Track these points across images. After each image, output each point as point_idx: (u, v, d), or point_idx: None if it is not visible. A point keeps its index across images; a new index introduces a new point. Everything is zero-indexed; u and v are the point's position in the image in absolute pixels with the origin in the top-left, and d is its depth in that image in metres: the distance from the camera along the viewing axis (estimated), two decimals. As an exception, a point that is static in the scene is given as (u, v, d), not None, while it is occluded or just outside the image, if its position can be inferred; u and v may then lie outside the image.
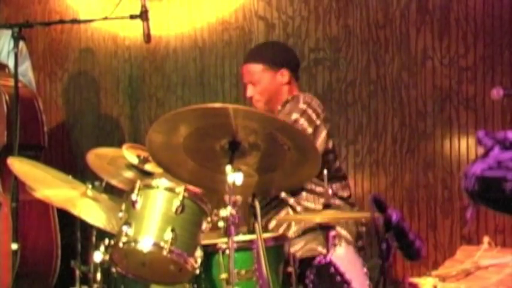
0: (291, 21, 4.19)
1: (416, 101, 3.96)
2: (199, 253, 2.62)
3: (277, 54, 3.33)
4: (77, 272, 3.05)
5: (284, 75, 3.29)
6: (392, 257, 2.26)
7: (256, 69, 3.28)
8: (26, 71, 4.02)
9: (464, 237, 3.85)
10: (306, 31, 4.15)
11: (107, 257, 2.64)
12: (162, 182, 2.67)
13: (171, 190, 2.65)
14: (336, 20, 4.10)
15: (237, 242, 2.66)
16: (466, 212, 3.63)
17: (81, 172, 3.27)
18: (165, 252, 2.56)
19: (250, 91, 3.31)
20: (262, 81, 3.27)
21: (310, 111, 3.22)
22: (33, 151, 3.75)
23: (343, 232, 3.15)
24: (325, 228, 2.85)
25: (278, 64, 3.28)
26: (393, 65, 3.99)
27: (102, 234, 2.85)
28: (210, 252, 2.67)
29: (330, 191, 2.93)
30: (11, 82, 3.54)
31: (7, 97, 3.68)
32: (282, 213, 3.18)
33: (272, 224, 3.20)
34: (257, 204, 2.62)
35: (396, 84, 3.99)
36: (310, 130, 3.18)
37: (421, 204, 3.94)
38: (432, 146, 3.93)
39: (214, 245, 2.69)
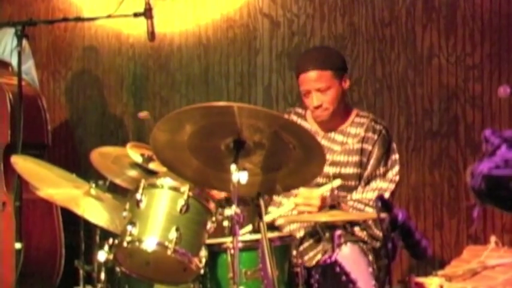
0: (296, 18, 4.19)
1: (422, 99, 3.96)
2: (203, 253, 2.62)
3: (340, 60, 3.28)
4: (81, 272, 3.05)
5: (347, 82, 3.24)
6: (398, 257, 2.26)
7: (326, 76, 3.16)
8: (29, 70, 4.02)
9: (470, 237, 3.85)
10: (311, 29, 4.15)
11: (111, 257, 2.64)
12: (166, 181, 2.67)
13: (175, 189, 2.65)
14: (341, 17, 4.09)
15: (243, 242, 2.66)
16: (472, 211, 3.62)
17: (85, 171, 3.27)
18: (169, 252, 2.56)
19: (318, 99, 3.16)
20: (332, 88, 3.17)
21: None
22: (37, 150, 3.75)
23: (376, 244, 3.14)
24: (331, 228, 2.85)
25: (343, 70, 3.23)
26: (399, 63, 3.99)
27: (106, 233, 2.85)
28: (215, 251, 2.67)
29: (336, 192, 2.93)
30: (14, 80, 3.54)
31: (10, 95, 3.69)
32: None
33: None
34: (262, 203, 2.62)
35: (402, 82, 3.99)
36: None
37: (427, 203, 3.94)
38: (438, 144, 3.93)
39: (220, 244, 2.69)
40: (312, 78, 3.17)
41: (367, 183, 3.17)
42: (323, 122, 3.24)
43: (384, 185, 3.17)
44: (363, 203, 3.13)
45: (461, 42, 3.88)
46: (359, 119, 3.26)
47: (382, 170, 3.18)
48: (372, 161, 3.18)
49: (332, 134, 3.24)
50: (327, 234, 3.06)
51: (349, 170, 3.17)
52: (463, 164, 3.86)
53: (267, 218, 2.97)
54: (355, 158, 3.18)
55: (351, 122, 3.26)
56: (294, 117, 3.32)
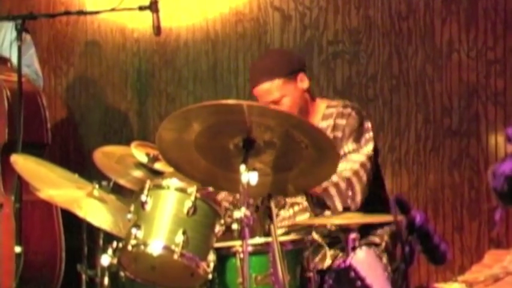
0: (308, 12, 4.18)
1: (441, 96, 3.95)
2: (212, 257, 2.62)
3: (289, 62, 3.19)
4: (84, 277, 3.06)
5: (304, 80, 3.17)
6: (416, 261, 2.26)
7: (276, 86, 3.11)
8: (31, 61, 4.03)
9: (492, 241, 3.84)
10: (325, 22, 4.15)
11: (115, 261, 2.64)
12: (173, 182, 2.67)
13: (182, 191, 2.65)
14: (356, 10, 4.09)
15: (253, 245, 2.67)
16: (494, 213, 3.61)
17: (88, 171, 3.28)
18: (176, 256, 2.56)
19: None
20: (287, 95, 3.12)
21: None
22: (36, 149, 3.76)
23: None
24: (345, 231, 2.85)
25: (294, 71, 3.16)
26: (417, 58, 3.98)
27: (109, 236, 2.86)
28: (224, 255, 2.68)
29: (350, 193, 2.93)
30: (13, 77, 3.55)
31: (8, 92, 3.70)
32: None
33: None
34: (272, 205, 2.62)
35: (420, 78, 3.98)
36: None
37: (447, 205, 3.93)
38: (458, 143, 3.92)
39: (228, 248, 2.69)
40: (263, 91, 3.13)
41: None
42: None
43: (357, 157, 3.10)
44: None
45: (483, 36, 3.87)
46: (329, 110, 3.20)
47: (354, 146, 3.12)
48: (344, 142, 3.12)
49: None
50: (327, 239, 3.06)
51: None
52: (484, 164, 3.84)
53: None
54: None
55: (322, 116, 3.21)
56: None
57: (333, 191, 3.07)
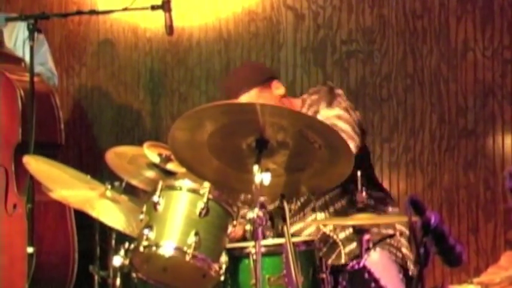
0: (321, 11, 4.17)
1: (456, 95, 3.93)
2: (224, 258, 2.62)
3: (260, 71, 3.20)
4: (96, 277, 3.06)
5: (279, 87, 3.15)
6: (430, 263, 2.24)
7: (252, 96, 3.09)
8: (45, 58, 4.04)
9: (508, 242, 3.82)
10: (338, 22, 4.13)
11: (127, 262, 2.65)
12: (185, 183, 2.67)
13: (195, 191, 2.65)
14: (369, 9, 4.07)
15: (266, 246, 2.66)
16: (510, 214, 3.58)
17: (100, 172, 3.28)
18: (188, 257, 2.56)
19: None
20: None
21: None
22: (50, 150, 3.77)
23: (403, 229, 3.12)
24: (359, 232, 2.84)
25: (267, 79, 3.14)
26: (431, 57, 3.96)
27: (122, 237, 2.86)
28: (236, 256, 2.67)
29: (364, 194, 2.92)
30: (26, 77, 3.56)
31: (22, 92, 3.71)
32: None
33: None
34: (286, 205, 2.62)
35: (435, 77, 3.96)
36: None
37: (462, 206, 3.91)
38: (473, 143, 3.90)
39: (241, 249, 2.68)
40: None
41: None
42: None
43: (329, 113, 3.07)
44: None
45: (499, 35, 3.84)
46: (304, 97, 3.20)
47: (326, 111, 3.09)
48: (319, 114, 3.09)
49: None
50: (341, 235, 3.05)
51: None
52: (500, 164, 3.82)
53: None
54: None
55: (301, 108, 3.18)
56: None
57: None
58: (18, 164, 3.42)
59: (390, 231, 3.15)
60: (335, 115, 3.08)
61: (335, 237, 2.99)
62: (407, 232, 3.13)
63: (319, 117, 3.05)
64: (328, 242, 3.11)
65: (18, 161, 3.45)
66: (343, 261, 2.99)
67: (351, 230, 3.10)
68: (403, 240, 3.12)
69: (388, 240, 3.11)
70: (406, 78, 4.02)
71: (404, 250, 3.09)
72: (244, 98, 3.11)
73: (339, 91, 3.18)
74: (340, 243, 2.99)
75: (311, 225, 3.14)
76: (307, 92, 3.27)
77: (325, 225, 3.10)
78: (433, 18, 3.96)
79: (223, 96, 3.33)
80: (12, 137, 3.71)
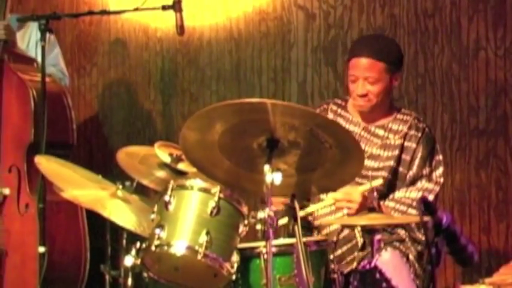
0: (332, 10, 4.17)
1: (468, 95, 3.92)
2: (235, 257, 2.62)
3: (398, 55, 3.29)
4: (107, 277, 3.07)
5: (398, 79, 3.28)
6: (442, 263, 2.24)
7: (378, 68, 3.18)
8: (57, 59, 4.05)
9: (520, 242, 3.81)
10: (349, 21, 4.13)
11: (139, 261, 2.66)
12: (196, 182, 2.68)
13: (206, 191, 2.66)
14: (380, 9, 4.07)
15: (277, 246, 2.66)
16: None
17: (111, 171, 3.29)
18: (199, 257, 2.57)
19: (363, 88, 3.18)
20: (381, 81, 3.19)
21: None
22: (62, 149, 3.78)
23: (419, 236, 3.13)
24: (370, 232, 2.84)
25: (397, 67, 3.25)
26: (443, 57, 3.95)
27: (133, 237, 2.87)
28: (247, 256, 2.67)
29: (375, 194, 2.92)
30: (39, 77, 3.58)
31: (34, 93, 3.73)
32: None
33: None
34: (297, 205, 2.62)
35: (446, 77, 3.95)
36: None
37: (473, 206, 3.90)
38: (485, 143, 3.88)
39: (252, 248, 2.69)
40: (363, 65, 3.19)
41: (412, 183, 3.17)
42: (364, 113, 3.26)
43: (430, 186, 3.19)
44: (405, 204, 3.12)
45: (511, 34, 3.83)
46: (402, 116, 3.30)
47: (427, 170, 3.21)
48: (417, 161, 3.20)
49: (373, 127, 3.27)
50: (363, 240, 3.05)
51: (387, 163, 3.18)
52: (512, 164, 3.82)
53: (302, 213, 2.96)
54: (395, 153, 3.22)
55: (394, 118, 3.29)
56: (334, 107, 3.35)
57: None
58: (31, 164, 3.43)
59: (402, 236, 3.15)
60: (432, 191, 3.19)
61: (360, 240, 3.00)
62: (422, 239, 3.13)
63: (412, 173, 3.21)
64: (350, 243, 3.11)
65: (30, 161, 3.46)
66: (354, 265, 2.99)
67: (345, 232, 3.11)
68: (413, 248, 3.12)
69: (397, 244, 3.11)
70: (417, 77, 4.01)
71: (411, 257, 3.09)
72: (370, 62, 3.18)
73: (437, 146, 3.29)
74: (359, 248, 3.01)
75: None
76: (409, 113, 3.32)
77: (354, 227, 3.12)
78: (445, 18, 3.95)
79: (353, 45, 3.39)
80: (25, 137, 3.73)
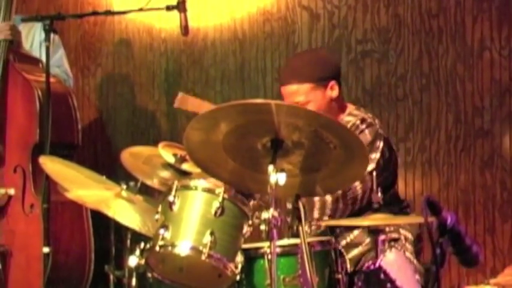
0: (336, 10, 4.17)
1: (472, 95, 3.92)
2: (240, 258, 2.63)
3: (323, 68, 3.16)
4: (111, 277, 3.08)
5: (334, 88, 3.14)
6: (447, 264, 2.24)
7: (304, 90, 3.10)
8: (61, 61, 4.06)
9: (525, 243, 3.81)
10: (353, 21, 4.13)
11: (143, 262, 2.66)
12: (200, 183, 2.68)
13: (210, 191, 2.66)
14: (385, 9, 4.07)
15: (281, 246, 2.67)
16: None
17: (115, 172, 3.30)
18: (203, 257, 2.57)
19: None
20: (313, 101, 3.10)
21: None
22: (67, 150, 3.80)
23: (408, 235, 3.12)
24: (374, 233, 2.84)
25: (326, 78, 3.13)
26: (447, 57, 3.95)
27: (137, 237, 2.88)
28: (252, 256, 2.68)
29: (379, 194, 2.92)
30: (44, 77, 3.59)
31: (40, 93, 3.73)
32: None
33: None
34: (301, 206, 2.62)
35: (450, 77, 3.95)
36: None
37: (478, 206, 3.90)
38: (490, 143, 3.88)
39: (257, 249, 2.69)
40: (289, 91, 3.12)
41: None
42: None
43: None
44: None
45: (515, 34, 3.83)
46: (348, 118, 3.17)
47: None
48: None
49: None
50: (343, 242, 3.05)
51: None
52: (517, 164, 3.82)
53: None
54: None
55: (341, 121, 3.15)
56: None
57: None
58: (36, 165, 3.43)
59: (395, 235, 3.14)
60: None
61: (338, 246, 2.98)
62: (411, 237, 3.12)
63: None
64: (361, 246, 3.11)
65: (35, 162, 3.47)
66: (349, 269, 2.98)
67: (354, 233, 3.09)
68: (408, 245, 3.11)
69: (392, 243, 3.10)
70: (421, 77, 4.01)
71: (408, 254, 3.08)
72: (294, 87, 3.11)
73: (379, 144, 3.13)
74: (343, 251, 2.99)
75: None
76: (359, 111, 3.21)
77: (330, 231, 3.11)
78: (449, 18, 3.95)
79: (280, 72, 3.31)
80: (30, 138, 3.74)
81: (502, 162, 3.86)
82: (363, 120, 3.16)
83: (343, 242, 3.07)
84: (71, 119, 3.90)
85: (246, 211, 2.67)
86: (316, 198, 3.07)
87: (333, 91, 3.15)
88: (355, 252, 3.07)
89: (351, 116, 3.18)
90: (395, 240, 3.12)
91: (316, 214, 3.08)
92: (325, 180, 2.67)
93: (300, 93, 3.11)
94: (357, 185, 3.07)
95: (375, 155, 3.12)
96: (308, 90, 3.11)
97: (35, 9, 4.74)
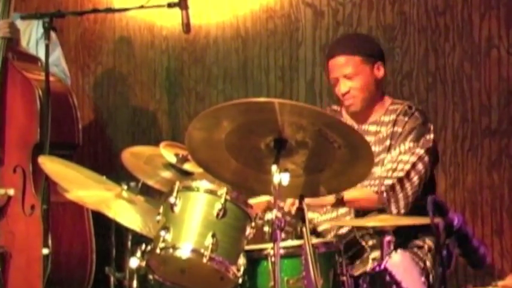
0: (341, 8, 4.16)
1: (479, 94, 3.90)
2: (242, 261, 2.62)
3: (373, 46, 3.32)
4: (112, 279, 3.07)
5: (380, 70, 3.26)
6: (453, 265, 2.23)
7: (354, 62, 3.20)
8: (58, 60, 4.05)
9: (533, 244, 3.79)
10: (358, 19, 4.12)
11: (144, 263, 2.66)
12: (202, 184, 2.67)
13: (212, 192, 2.65)
14: (390, 6, 4.06)
15: (285, 248, 2.66)
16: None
17: (116, 172, 3.29)
18: (205, 260, 2.56)
19: (345, 85, 3.20)
20: (360, 74, 3.21)
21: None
22: (67, 150, 3.79)
23: (432, 245, 3.13)
24: (379, 234, 2.83)
25: (375, 57, 3.25)
26: (454, 55, 3.94)
27: (138, 238, 2.87)
28: (255, 258, 2.67)
29: (385, 195, 2.91)
30: (43, 76, 3.58)
31: (40, 92, 3.73)
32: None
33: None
34: (305, 206, 2.61)
35: (457, 75, 3.94)
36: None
37: (485, 207, 3.88)
38: (497, 143, 3.87)
39: (260, 250, 2.68)
40: (338, 63, 3.21)
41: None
42: (355, 113, 3.27)
43: (405, 158, 3.13)
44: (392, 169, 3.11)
45: (523, 32, 3.82)
46: (393, 106, 3.28)
47: (410, 145, 3.15)
48: (400, 140, 3.16)
49: (366, 126, 3.27)
50: (370, 242, 3.04)
51: (381, 157, 3.18)
52: (525, 164, 3.80)
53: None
54: (386, 143, 3.21)
55: (385, 110, 3.28)
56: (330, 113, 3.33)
57: (388, 195, 3.09)
58: (37, 165, 3.42)
59: (419, 243, 3.14)
60: (412, 163, 3.13)
61: (364, 243, 2.99)
62: (433, 248, 3.12)
63: (402, 146, 3.15)
64: (355, 247, 3.10)
65: (36, 162, 3.46)
66: (368, 268, 2.98)
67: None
68: (429, 256, 3.11)
69: (415, 250, 3.11)
70: (427, 76, 4.00)
71: (428, 264, 3.09)
72: (343, 59, 3.21)
73: (431, 126, 3.24)
74: (368, 250, 2.99)
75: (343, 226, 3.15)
76: (401, 100, 3.33)
77: (358, 230, 3.10)
78: (456, 15, 3.94)
79: (328, 48, 3.48)
80: (30, 137, 3.73)
81: (510, 162, 3.85)
82: (410, 106, 3.26)
83: (370, 242, 3.07)
84: (71, 118, 3.89)
85: (248, 213, 2.66)
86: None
87: (379, 71, 3.25)
88: (377, 253, 3.07)
89: (396, 105, 3.28)
90: (420, 247, 3.12)
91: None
92: (330, 180, 2.66)
93: (349, 65, 3.20)
94: (417, 162, 3.12)
95: (429, 136, 3.20)
96: (358, 63, 3.20)
97: (34, 6, 4.74)
